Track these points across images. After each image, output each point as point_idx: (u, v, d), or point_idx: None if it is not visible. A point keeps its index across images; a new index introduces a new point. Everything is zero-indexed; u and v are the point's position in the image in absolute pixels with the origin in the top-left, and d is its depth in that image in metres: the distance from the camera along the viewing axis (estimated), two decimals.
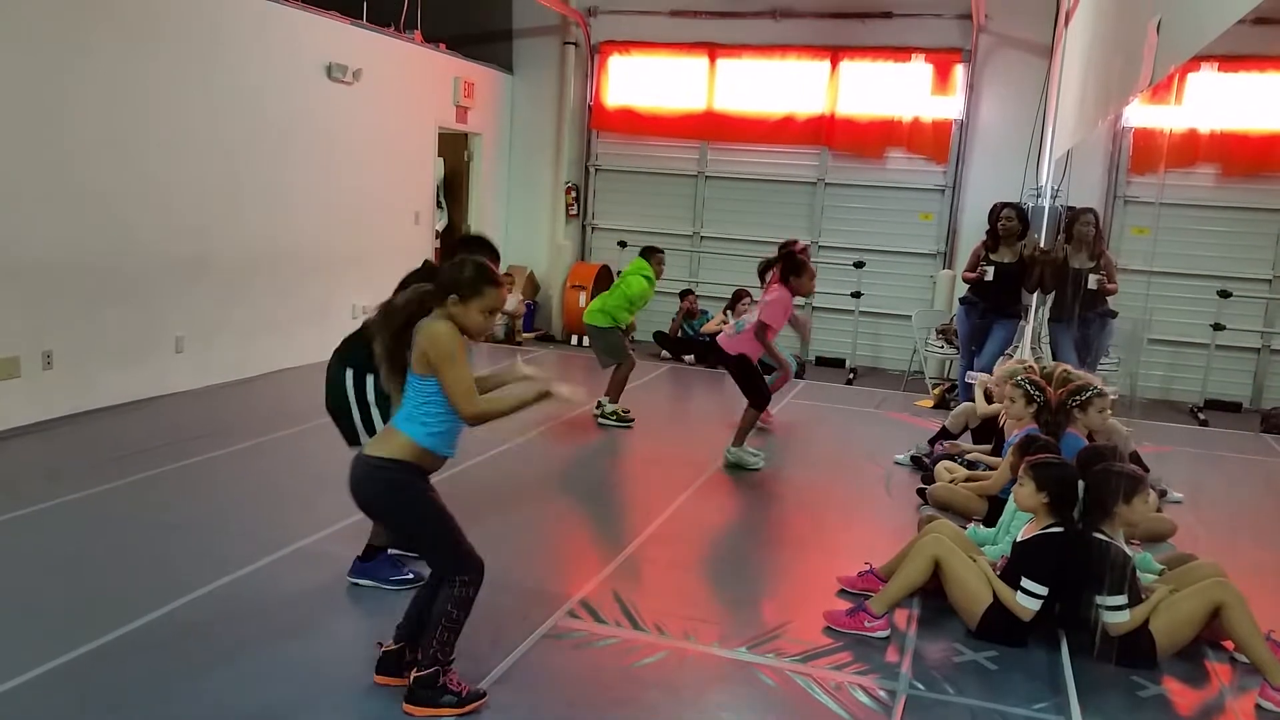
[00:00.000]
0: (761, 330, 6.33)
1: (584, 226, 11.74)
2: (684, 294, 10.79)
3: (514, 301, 11.29)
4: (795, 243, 6.93)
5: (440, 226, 10.87)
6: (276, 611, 3.91)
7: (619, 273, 11.13)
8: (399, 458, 3.09)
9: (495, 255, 4.22)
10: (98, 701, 3.16)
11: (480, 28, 11.18)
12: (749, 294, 10.23)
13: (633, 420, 7.25)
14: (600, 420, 7.23)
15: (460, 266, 3.12)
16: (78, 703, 3.14)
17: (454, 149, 10.92)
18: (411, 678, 3.17)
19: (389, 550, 4.19)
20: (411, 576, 4.09)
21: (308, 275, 8.54)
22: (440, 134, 10.40)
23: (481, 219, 11.29)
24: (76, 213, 6.41)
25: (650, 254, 7.55)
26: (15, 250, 6.04)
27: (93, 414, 6.57)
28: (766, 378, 6.71)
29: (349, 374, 4.15)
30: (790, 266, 6.43)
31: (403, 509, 3.17)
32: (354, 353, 4.15)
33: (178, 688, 3.26)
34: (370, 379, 4.09)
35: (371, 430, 4.10)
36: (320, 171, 8.57)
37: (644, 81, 11.22)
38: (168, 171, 7.08)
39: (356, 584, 4.13)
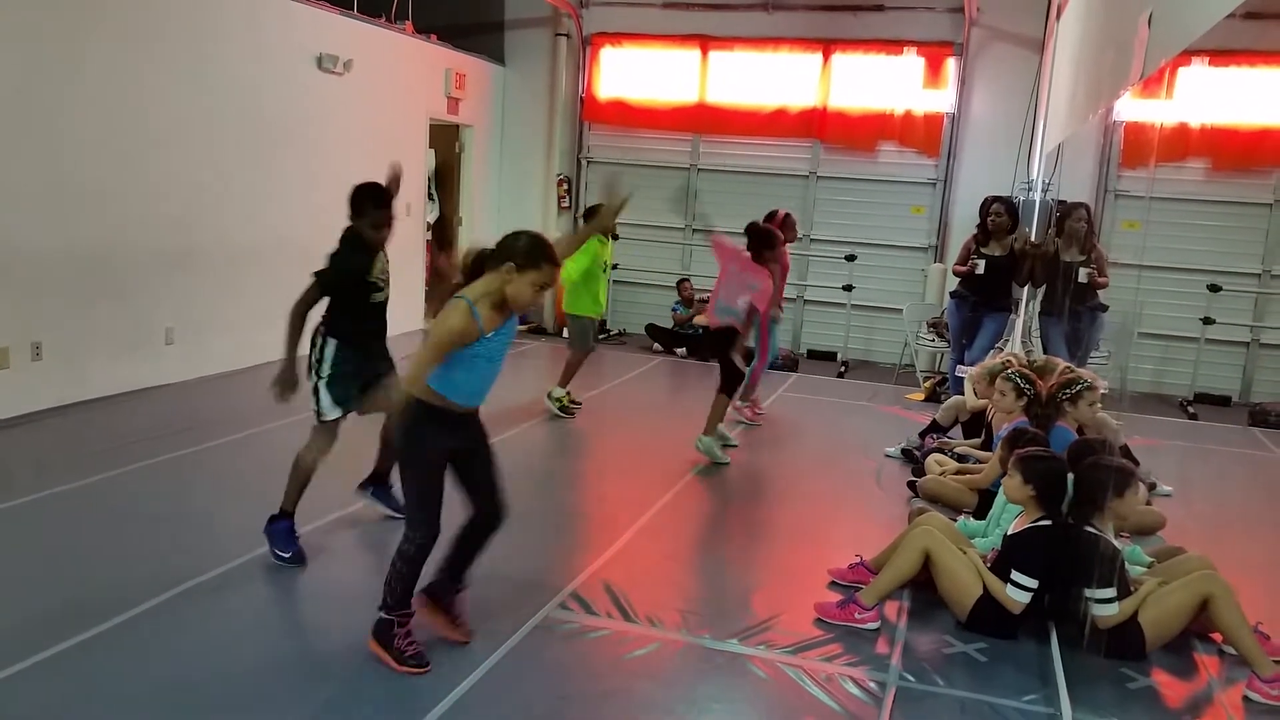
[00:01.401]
0: (753, 312, 6.25)
1: (576, 219, 11.71)
2: (680, 282, 10.80)
3: None
4: (776, 214, 6.97)
5: (431, 219, 10.85)
6: (268, 603, 3.91)
7: (613, 266, 11.20)
8: (420, 397, 3.21)
9: (382, 198, 4.29)
10: (88, 693, 3.15)
11: (472, 19, 11.14)
12: None
13: (577, 408, 7.21)
14: (547, 404, 7.13)
15: (517, 237, 3.19)
16: (68, 695, 3.13)
17: (445, 141, 10.88)
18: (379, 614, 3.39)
19: (290, 521, 4.26)
20: (289, 556, 4.17)
21: (298, 267, 8.36)
22: (431, 125, 10.37)
23: (473, 211, 11.26)
24: (66, 204, 6.38)
25: (589, 215, 7.42)
26: (4, 241, 6.01)
27: (82, 405, 6.54)
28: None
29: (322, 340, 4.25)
30: (760, 242, 6.35)
31: (404, 447, 3.34)
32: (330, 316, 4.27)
33: (168, 680, 3.25)
34: (332, 346, 4.19)
35: (317, 402, 4.22)
36: (310, 163, 8.54)
37: (636, 73, 11.20)
38: (158, 163, 7.04)
39: (278, 556, 4.21)
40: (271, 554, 4.20)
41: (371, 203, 4.26)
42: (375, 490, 4.76)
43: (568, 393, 7.19)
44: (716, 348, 6.36)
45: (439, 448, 3.30)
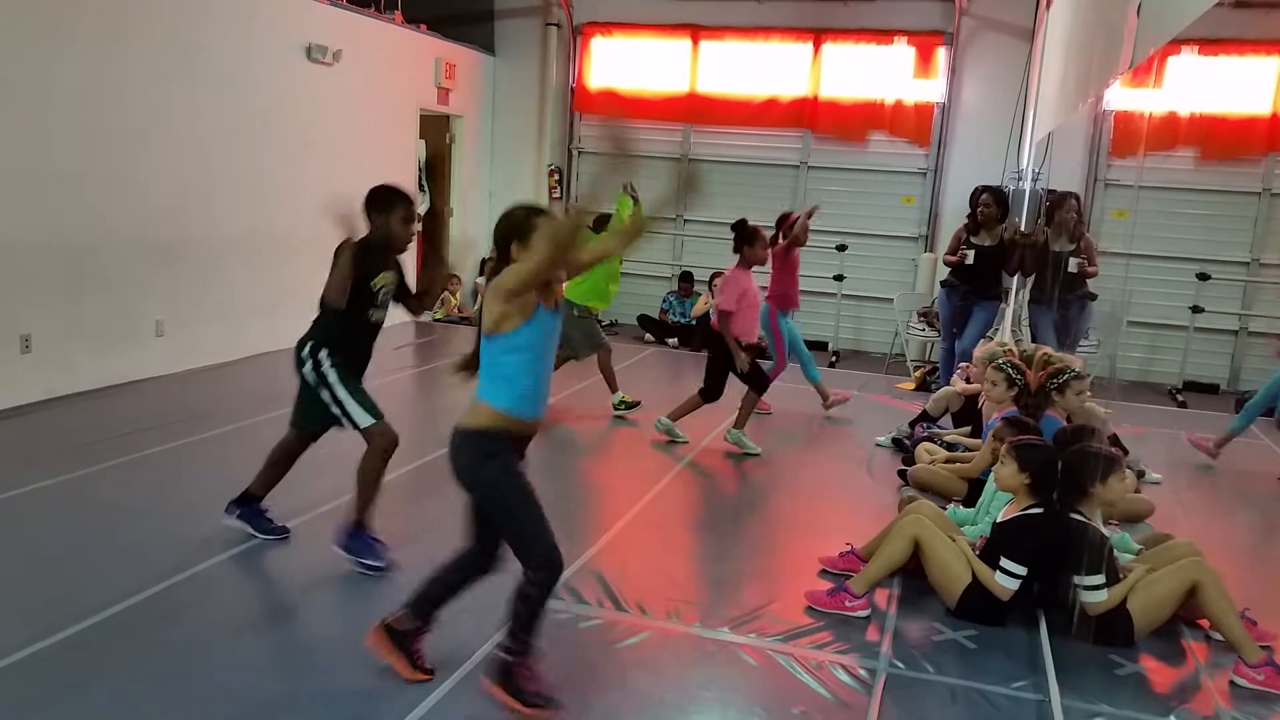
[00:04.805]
0: (722, 318, 6.12)
1: (567, 210, 11.67)
2: (684, 276, 10.77)
3: None
4: (790, 215, 7.00)
5: (422, 209, 10.81)
6: (256, 597, 3.91)
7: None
8: (483, 426, 3.07)
9: (405, 193, 4.18)
10: (73, 689, 3.14)
11: (461, 9, 11.09)
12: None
13: (637, 402, 7.16)
14: (618, 414, 7.08)
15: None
16: (52, 690, 3.13)
17: (435, 131, 10.85)
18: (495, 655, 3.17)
19: (371, 532, 4.15)
20: (383, 566, 4.04)
21: (288, 258, 8.48)
22: (421, 116, 10.34)
23: (463, 202, 11.24)
24: (53, 196, 6.34)
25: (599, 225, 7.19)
26: None
27: (71, 398, 6.52)
28: (763, 364, 6.59)
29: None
30: (742, 236, 6.30)
31: (485, 483, 3.10)
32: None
33: (155, 675, 3.25)
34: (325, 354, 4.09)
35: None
36: (300, 154, 8.50)
37: (627, 63, 11.17)
38: (146, 154, 7.00)
39: (345, 559, 4.08)
40: (356, 565, 4.05)
41: (398, 196, 4.09)
42: (243, 511, 4.38)
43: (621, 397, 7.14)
44: (712, 349, 6.36)
45: (516, 470, 3.12)
